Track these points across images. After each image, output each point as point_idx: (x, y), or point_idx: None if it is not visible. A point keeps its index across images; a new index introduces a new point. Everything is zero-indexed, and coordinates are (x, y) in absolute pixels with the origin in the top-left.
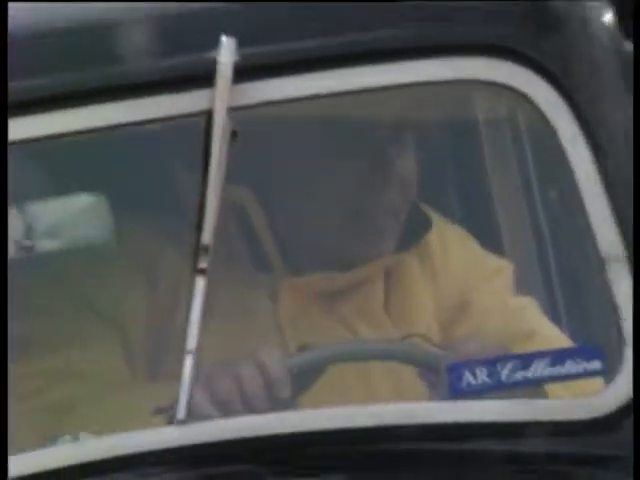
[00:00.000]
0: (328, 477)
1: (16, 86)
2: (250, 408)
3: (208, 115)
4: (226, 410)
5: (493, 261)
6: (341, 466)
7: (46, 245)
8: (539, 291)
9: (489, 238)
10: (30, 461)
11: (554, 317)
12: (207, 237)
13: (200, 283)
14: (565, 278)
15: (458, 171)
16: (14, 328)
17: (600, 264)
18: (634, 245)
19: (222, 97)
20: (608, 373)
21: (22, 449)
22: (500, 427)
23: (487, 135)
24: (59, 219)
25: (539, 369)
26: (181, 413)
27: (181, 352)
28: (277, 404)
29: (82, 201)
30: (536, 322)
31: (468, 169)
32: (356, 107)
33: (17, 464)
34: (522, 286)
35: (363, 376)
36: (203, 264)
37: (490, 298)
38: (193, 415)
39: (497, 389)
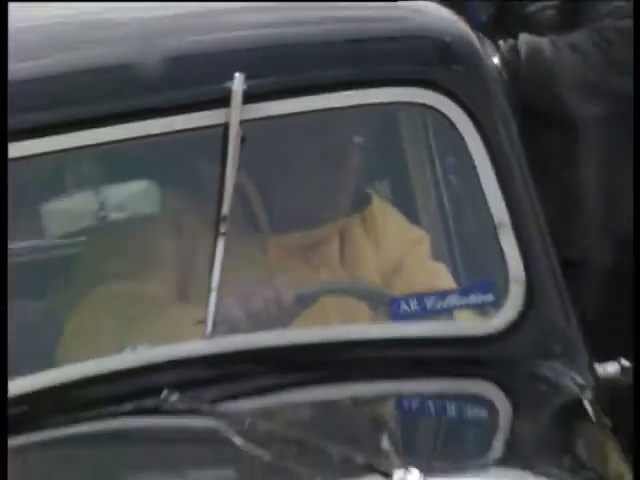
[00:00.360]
0: (313, 373)
1: (110, 106)
2: (262, 324)
3: (225, 126)
4: (247, 325)
5: (416, 232)
6: (322, 367)
7: (115, 216)
8: (447, 251)
9: (411, 214)
10: (104, 364)
11: (460, 269)
12: (226, 210)
13: (221, 241)
14: (467, 240)
15: (391, 162)
16: (104, 267)
17: (493, 229)
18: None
19: (236, 114)
20: (498, 303)
21: (98, 355)
22: (425, 340)
23: (411, 138)
24: (124, 197)
25: (452, 301)
26: (208, 330)
27: (209, 286)
28: (280, 322)
29: (141, 185)
30: (446, 280)
31: (398, 161)
32: (323, 120)
33: (94, 366)
34: (435, 250)
35: (338, 306)
36: (223, 229)
37: (416, 260)
38: (218, 331)
39: (423, 314)
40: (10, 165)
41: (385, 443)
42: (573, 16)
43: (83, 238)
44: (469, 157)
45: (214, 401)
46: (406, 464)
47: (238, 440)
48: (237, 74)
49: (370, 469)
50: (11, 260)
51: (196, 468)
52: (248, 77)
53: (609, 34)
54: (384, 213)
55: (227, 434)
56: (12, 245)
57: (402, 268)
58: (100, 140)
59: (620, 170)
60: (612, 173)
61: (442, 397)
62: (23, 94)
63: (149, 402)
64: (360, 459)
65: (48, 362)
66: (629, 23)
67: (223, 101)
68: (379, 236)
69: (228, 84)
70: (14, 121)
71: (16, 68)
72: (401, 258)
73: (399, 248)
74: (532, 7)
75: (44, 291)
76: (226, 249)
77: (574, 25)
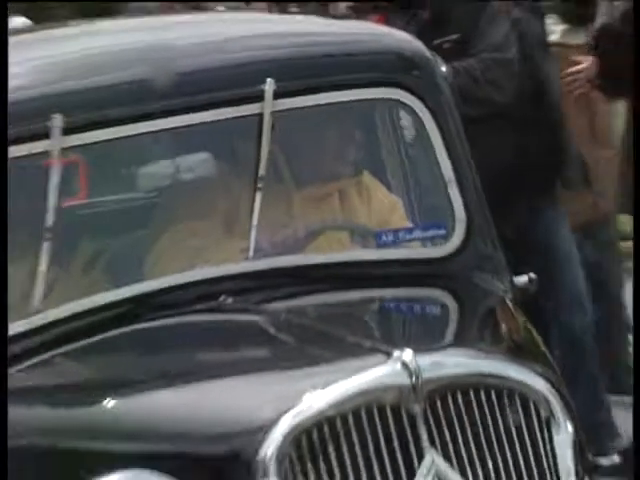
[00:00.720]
0: (323, 284)
1: (183, 101)
2: (286, 250)
3: (260, 116)
4: (276, 250)
5: (393, 198)
6: (329, 280)
7: (185, 177)
8: (412, 203)
9: (386, 184)
10: (179, 278)
11: (422, 213)
12: (262, 171)
13: (259, 194)
14: (425, 193)
15: (371, 140)
16: (179, 211)
17: (444, 185)
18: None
19: (268, 106)
20: (447, 235)
21: (175, 271)
22: (398, 261)
23: (385, 123)
24: (191, 164)
25: (417, 234)
26: (250, 255)
27: (250, 225)
28: (298, 249)
29: (203, 156)
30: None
31: (376, 139)
32: (327, 111)
33: (173, 279)
34: (404, 205)
35: (337, 238)
36: (260, 185)
37: (397, 220)
38: (257, 256)
39: (397, 243)
40: (116, 143)
41: (382, 332)
42: (464, 49)
43: (165, 192)
44: (426, 135)
45: (256, 303)
46: (400, 346)
47: (273, 330)
48: (269, 79)
49: (375, 350)
50: (118, 206)
51: (243, 349)
52: (276, 81)
53: (487, 62)
54: (374, 184)
55: (266, 326)
56: (116, 197)
57: (387, 223)
58: (177, 124)
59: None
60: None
61: (412, 300)
62: (125, 94)
63: (211, 304)
64: (366, 343)
65: (140, 276)
66: (499, 55)
67: (259, 98)
68: (370, 200)
69: (262, 86)
70: (121, 112)
71: (112, 77)
72: (386, 217)
73: (384, 210)
74: (437, 40)
75: (139, 227)
76: (262, 200)
77: (465, 54)
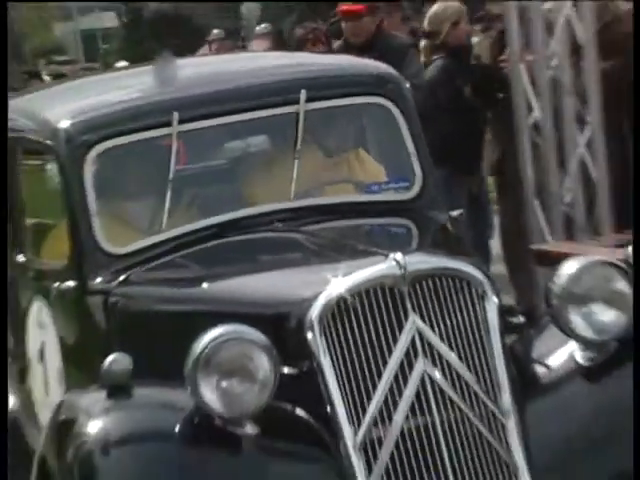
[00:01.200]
0: (337, 215)
1: (247, 104)
2: (312, 195)
3: (297, 113)
4: (305, 196)
5: (377, 164)
6: (339, 212)
7: (252, 150)
8: (389, 169)
9: (373, 156)
10: (242, 213)
11: (395, 174)
12: (298, 146)
13: (297, 162)
14: (396, 163)
15: (364, 131)
16: (251, 170)
17: (409, 157)
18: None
19: (302, 107)
20: (410, 187)
21: (238, 210)
22: (381, 202)
23: (372, 119)
24: (255, 142)
25: (392, 185)
26: (292, 196)
27: (291, 180)
28: (318, 195)
29: (261, 138)
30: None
31: (365, 130)
32: (340, 110)
33: (236, 214)
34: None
35: (343, 188)
36: (297, 155)
37: (380, 177)
38: (296, 198)
39: (380, 191)
40: (208, 129)
41: (377, 243)
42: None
43: (238, 159)
44: (397, 126)
45: (296, 227)
46: (393, 250)
47: (307, 243)
48: (302, 90)
49: (377, 254)
50: (209, 169)
51: (290, 254)
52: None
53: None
54: (366, 156)
55: (303, 241)
56: (207, 163)
57: (374, 179)
58: (245, 118)
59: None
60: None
61: (393, 225)
62: (211, 100)
63: (268, 227)
64: (371, 250)
65: (223, 211)
66: (415, 81)
67: (295, 102)
68: (364, 165)
69: (297, 95)
70: (209, 110)
71: (202, 90)
72: (373, 176)
73: (372, 171)
74: None
75: (222, 181)
76: (298, 164)
77: None
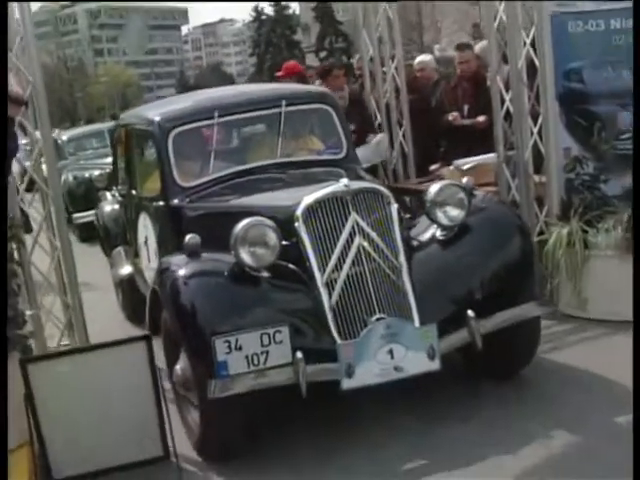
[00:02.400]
0: (300, 166)
1: (251, 108)
2: (288, 155)
3: (280, 113)
4: (284, 156)
5: (320, 143)
6: (301, 165)
7: (256, 131)
8: (328, 144)
9: (318, 138)
10: (252, 164)
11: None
12: (281, 130)
13: (280, 139)
14: (332, 140)
15: (313, 124)
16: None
17: (339, 135)
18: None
19: (283, 109)
20: (340, 152)
21: (250, 163)
22: (325, 160)
23: (318, 117)
24: (257, 129)
25: (330, 150)
26: (278, 156)
27: (277, 148)
28: (291, 156)
29: (261, 126)
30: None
31: (314, 123)
32: (304, 110)
33: (249, 165)
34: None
35: (304, 153)
36: (280, 136)
37: (322, 148)
38: (279, 157)
39: (323, 154)
40: (230, 121)
41: (330, 177)
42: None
43: (249, 137)
44: (333, 120)
45: (281, 172)
46: (341, 179)
47: (289, 179)
48: (283, 100)
49: (333, 181)
50: (257, 143)
51: (281, 184)
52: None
53: None
54: (315, 139)
55: (287, 178)
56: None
57: (319, 148)
58: (252, 115)
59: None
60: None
61: (332, 172)
62: (230, 105)
63: (265, 172)
64: (329, 179)
65: (243, 163)
66: None
67: (279, 106)
68: (314, 143)
69: (280, 102)
70: (231, 111)
71: (228, 100)
72: (318, 147)
73: (317, 146)
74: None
75: (240, 150)
76: (281, 141)
77: None
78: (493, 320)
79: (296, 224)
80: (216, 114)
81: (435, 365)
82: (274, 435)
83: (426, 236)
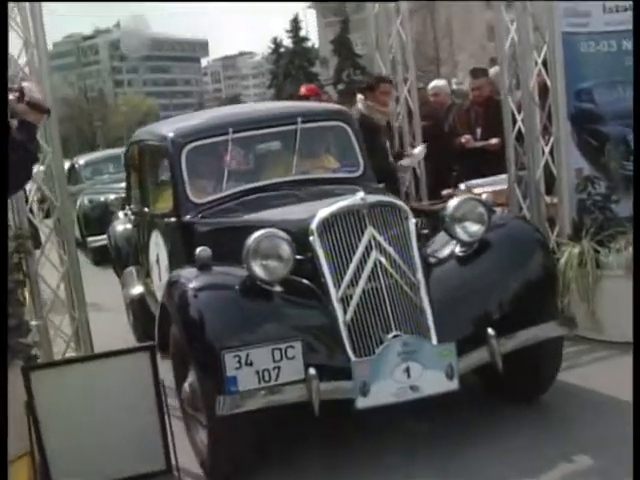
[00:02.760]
0: (318, 183)
1: (262, 125)
2: (304, 173)
3: (296, 130)
4: (300, 173)
5: (337, 163)
6: (318, 183)
7: (272, 149)
8: (345, 164)
9: (335, 158)
10: (267, 181)
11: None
12: (297, 147)
13: (296, 156)
14: (351, 160)
15: (330, 142)
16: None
17: (356, 155)
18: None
19: (299, 126)
20: (357, 170)
21: (265, 180)
22: (344, 178)
23: (336, 135)
24: (271, 146)
25: (347, 168)
26: (293, 173)
27: (293, 165)
28: (307, 174)
29: (276, 143)
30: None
31: (331, 142)
32: (320, 127)
33: (264, 182)
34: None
35: (321, 171)
36: (296, 153)
37: (338, 168)
38: (295, 174)
39: (339, 172)
40: (245, 138)
41: (347, 192)
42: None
43: (265, 154)
44: (350, 140)
45: (297, 189)
46: (358, 192)
47: (305, 194)
48: (299, 118)
49: (349, 195)
50: (250, 158)
51: (297, 200)
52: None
53: None
54: (330, 157)
55: (302, 194)
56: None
57: (335, 167)
58: (267, 132)
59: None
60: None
61: (351, 189)
62: (245, 122)
63: (282, 189)
64: (346, 193)
65: (258, 180)
66: None
67: (295, 123)
68: (330, 162)
69: (296, 119)
70: (245, 127)
71: (242, 117)
72: (334, 167)
73: (334, 165)
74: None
75: (257, 166)
76: (297, 158)
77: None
78: (514, 339)
79: (311, 238)
80: (230, 130)
81: (453, 385)
82: (284, 454)
83: (444, 252)
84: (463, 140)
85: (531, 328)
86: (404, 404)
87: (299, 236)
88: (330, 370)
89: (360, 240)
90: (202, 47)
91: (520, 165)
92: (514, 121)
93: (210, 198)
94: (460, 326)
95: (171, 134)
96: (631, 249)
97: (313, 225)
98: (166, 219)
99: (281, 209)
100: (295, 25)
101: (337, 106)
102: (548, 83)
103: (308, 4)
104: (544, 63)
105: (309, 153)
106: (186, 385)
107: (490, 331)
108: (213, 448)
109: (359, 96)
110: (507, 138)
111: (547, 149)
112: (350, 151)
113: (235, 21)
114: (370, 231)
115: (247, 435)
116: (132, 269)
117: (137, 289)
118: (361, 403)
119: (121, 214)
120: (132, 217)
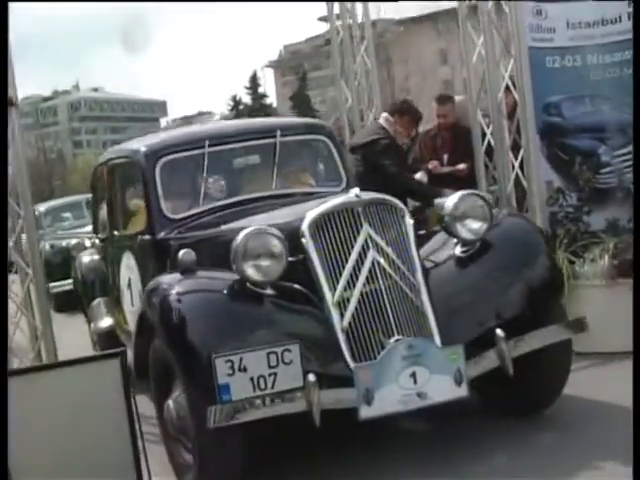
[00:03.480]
0: (296, 197)
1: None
2: (283, 188)
3: (275, 143)
4: (279, 188)
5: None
6: (297, 196)
7: (250, 163)
8: (324, 179)
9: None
10: (246, 195)
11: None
12: (276, 160)
13: (275, 169)
14: (332, 175)
15: (309, 157)
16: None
17: (338, 170)
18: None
19: (278, 139)
20: (340, 185)
21: (243, 195)
22: (325, 192)
23: (317, 150)
24: (251, 159)
25: (329, 183)
26: (274, 187)
27: (273, 179)
28: (285, 188)
29: (256, 157)
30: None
31: (310, 157)
32: (298, 142)
33: (242, 197)
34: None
35: (299, 186)
36: (275, 167)
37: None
38: (275, 189)
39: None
40: (221, 152)
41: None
42: None
43: (242, 169)
44: (332, 154)
45: (276, 201)
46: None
47: (286, 203)
48: (278, 131)
49: (341, 194)
50: (225, 174)
51: (281, 207)
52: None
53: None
54: (307, 175)
55: (282, 204)
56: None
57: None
58: (244, 145)
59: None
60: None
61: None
62: (221, 136)
63: (262, 203)
64: (335, 193)
65: (237, 194)
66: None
67: (274, 136)
68: (307, 179)
69: (275, 133)
70: (222, 141)
71: (218, 130)
72: (310, 183)
73: (309, 182)
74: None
75: (233, 180)
76: (276, 172)
77: None
78: (524, 342)
79: (303, 240)
80: (206, 143)
81: (462, 392)
82: (278, 472)
83: (444, 252)
84: (430, 166)
85: (540, 330)
86: (408, 414)
87: (289, 238)
88: (328, 378)
89: (356, 240)
90: (161, 107)
91: (490, 181)
92: (483, 135)
93: (186, 214)
94: (465, 329)
95: (144, 148)
96: (607, 258)
97: (304, 225)
98: (140, 238)
99: (266, 214)
100: (254, 82)
101: (318, 120)
102: (516, 97)
103: (266, 62)
104: (511, 78)
105: (289, 167)
106: (170, 402)
107: (499, 332)
108: (201, 468)
109: (386, 115)
110: (476, 153)
111: (517, 163)
112: (332, 165)
113: (194, 81)
114: (366, 230)
115: (238, 452)
116: (100, 300)
117: (106, 321)
118: (365, 412)
119: (88, 243)
120: (100, 245)
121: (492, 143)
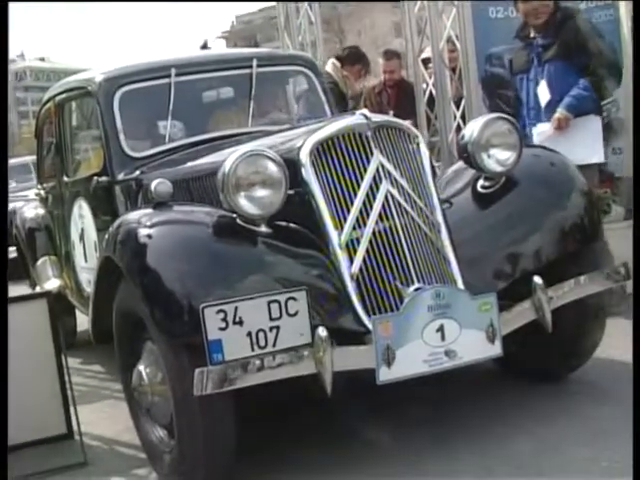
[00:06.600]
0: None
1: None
2: (260, 124)
3: (251, 74)
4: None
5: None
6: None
7: (223, 97)
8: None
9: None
10: (218, 134)
11: None
12: (253, 93)
13: (252, 103)
14: (315, 110)
15: (283, 94)
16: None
17: (322, 104)
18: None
19: (254, 70)
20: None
21: (215, 132)
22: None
23: (300, 83)
24: (223, 91)
25: (311, 119)
26: (249, 124)
27: (249, 114)
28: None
29: (229, 90)
30: None
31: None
32: (275, 74)
33: (214, 135)
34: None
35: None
36: (252, 100)
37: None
38: (251, 125)
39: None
40: (192, 81)
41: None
42: None
43: (213, 102)
44: (315, 87)
45: (252, 138)
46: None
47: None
48: (254, 59)
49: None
50: (194, 105)
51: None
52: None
53: None
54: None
55: (260, 137)
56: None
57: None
58: (219, 75)
59: None
60: None
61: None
62: (193, 64)
63: (237, 138)
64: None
65: (206, 131)
66: None
67: (250, 66)
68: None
69: (251, 62)
70: (193, 70)
71: (189, 59)
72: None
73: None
74: None
75: (203, 113)
76: (253, 106)
77: None
78: (568, 291)
79: (302, 170)
80: (173, 72)
81: (496, 349)
82: (275, 454)
83: (466, 187)
84: None
85: (580, 277)
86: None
87: (288, 169)
88: (337, 334)
89: (365, 170)
90: None
91: (432, 132)
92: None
93: (150, 152)
94: (494, 276)
95: (100, 76)
96: None
97: (303, 152)
98: (95, 180)
99: (252, 143)
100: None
101: (300, 52)
102: (458, 46)
103: (218, 34)
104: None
105: (267, 102)
106: (140, 367)
107: (537, 280)
108: (182, 448)
109: (333, 60)
110: (418, 104)
111: (459, 113)
112: (316, 101)
113: (144, 50)
114: (377, 158)
115: (231, 426)
116: (46, 259)
117: (53, 282)
118: (384, 375)
119: (32, 193)
120: (45, 197)
121: (434, 94)
